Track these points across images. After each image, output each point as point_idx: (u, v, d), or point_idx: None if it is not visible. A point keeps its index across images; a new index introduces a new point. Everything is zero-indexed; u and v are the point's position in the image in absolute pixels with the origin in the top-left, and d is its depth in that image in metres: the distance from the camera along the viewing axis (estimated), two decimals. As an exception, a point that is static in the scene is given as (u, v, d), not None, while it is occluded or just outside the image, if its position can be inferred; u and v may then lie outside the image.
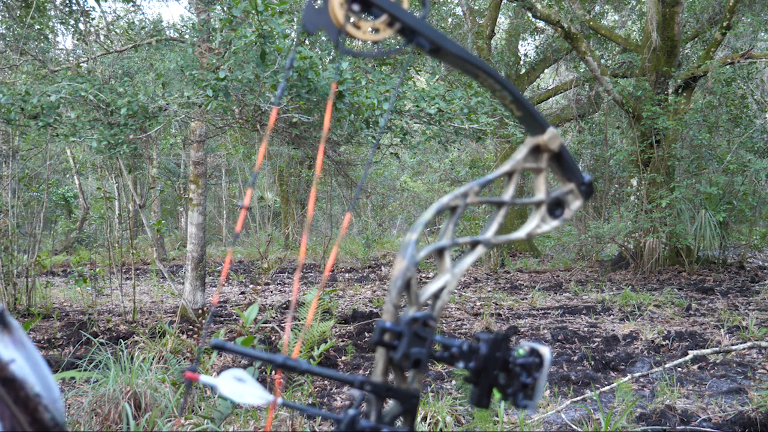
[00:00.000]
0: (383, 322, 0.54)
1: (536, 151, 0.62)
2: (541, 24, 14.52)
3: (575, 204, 0.63)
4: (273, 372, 4.64)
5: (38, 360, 0.61)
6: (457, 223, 0.60)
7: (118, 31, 11.07)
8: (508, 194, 0.62)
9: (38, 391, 0.57)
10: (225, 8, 5.68)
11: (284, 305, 8.14)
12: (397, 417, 0.56)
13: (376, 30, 0.56)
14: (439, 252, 0.59)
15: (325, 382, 4.87)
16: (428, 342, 0.55)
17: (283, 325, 6.64)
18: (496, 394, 0.57)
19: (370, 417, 0.55)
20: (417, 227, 0.57)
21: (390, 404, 0.57)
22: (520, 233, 0.62)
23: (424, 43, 0.56)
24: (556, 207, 0.63)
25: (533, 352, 0.57)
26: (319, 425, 3.73)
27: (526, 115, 0.62)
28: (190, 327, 6.49)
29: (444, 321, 7.32)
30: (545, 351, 0.57)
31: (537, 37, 15.88)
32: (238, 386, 0.54)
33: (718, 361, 5.27)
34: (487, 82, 0.60)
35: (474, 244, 0.61)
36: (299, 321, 5.35)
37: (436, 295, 0.58)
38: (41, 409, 0.56)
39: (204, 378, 0.54)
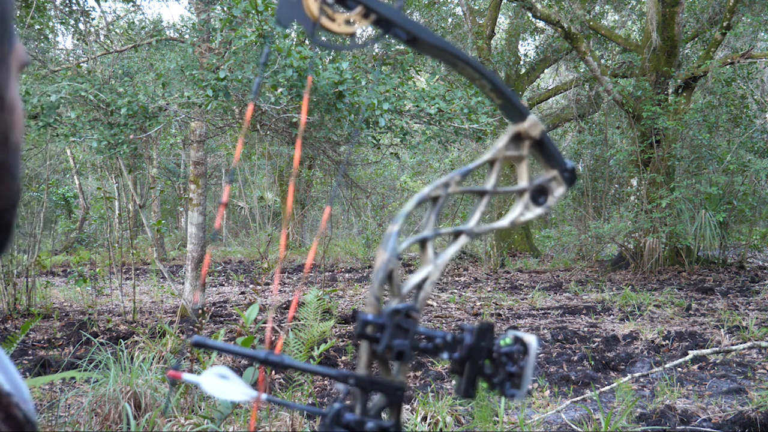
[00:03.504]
0: (365, 315, 0.55)
1: (517, 138, 0.62)
2: (541, 24, 14.53)
3: (559, 191, 0.63)
4: (272, 372, 4.64)
5: (5, 362, 0.62)
6: (441, 214, 0.59)
7: (118, 31, 11.07)
8: (490, 183, 0.62)
9: (9, 389, 0.58)
10: (225, 8, 5.68)
11: (285, 305, 8.14)
12: (383, 410, 0.56)
13: (351, 22, 0.56)
14: (422, 243, 0.59)
15: (325, 381, 4.87)
16: (411, 333, 0.55)
17: (283, 324, 6.65)
18: (483, 385, 0.58)
19: (355, 410, 0.55)
20: (398, 219, 0.57)
21: (376, 397, 0.57)
22: (504, 222, 0.62)
23: (400, 34, 0.56)
24: (539, 194, 0.63)
25: (518, 341, 0.58)
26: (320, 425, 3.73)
27: (505, 103, 0.62)
28: (190, 327, 6.49)
29: (444, 321, 7.33)
30: (531, 339, 0.58)
31: (537, 37, 15.88)
32: (222, 383, 0.54)
33: (718, 361, 5.27)
34: (465, 70, 0.60)
35: (457, 234, 0.61)
36: (299, 321, 5.34)
37: (419, 286, 0.58)
38: (14, 407, 0.57)
39: (187, 376, 0.54)
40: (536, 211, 0.63)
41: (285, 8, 0.55)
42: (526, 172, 0.63)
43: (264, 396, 0.54)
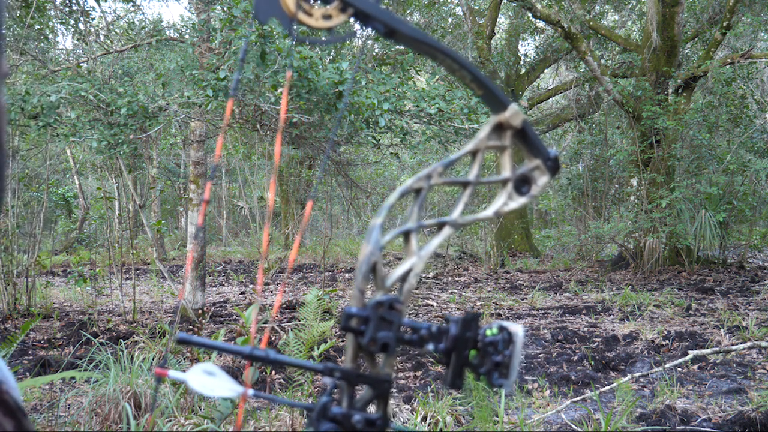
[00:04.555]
0: (349, 308, 0.55)
1: (499, 128, 0.63)
2: (541, 24, 14.53)
3: (542, 180, 0.63)
4: (272, 371, 4.64)
5: None
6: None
7: (118, 31, 11.07)
8: (473, 174, 0.62)
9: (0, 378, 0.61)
10: (225, 8, 5.68)
11: (284, 305, 8.14)
12: (370, 402, 0.57)
13: (328, 16, 0.56)
14: (405, 235, 0.59)
15: (325, 381, 4.86)
16: (395, 325, 0.55)
17: (283, 325, 6.65)
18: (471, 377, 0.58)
19: (342, 404, 0.55)
20: (381, 212, 0.58)
21: (363, 390, 0.57)
22: (488, 212, 0.62)
23: (378, 27, 0.56)
24: (522, 184, 0.63)
25: (503, 330, 0.58)
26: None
27: (486, 94, 0.62)
28: (190, 327, 6.49)
29: (443, 321, 7.32)
30: (517, 328, 0.58)
31: (537, 37, 15.88)
32: (208, 380, 0.54)
33: (718, 361, 5.27)
34: (445, 62, 0.61)
35: (441, 226, 0.61)
36: (299, 321, 5.35)
37: (403, 278, 0.58)
38: (5, 393, 0.59)
39: (173, 373, 0.54)
40: (520, 200, 0.63)
41: (262, 4, 0.55)
42: (508, 162, 0.63)
43: (250, 392, 0.54)
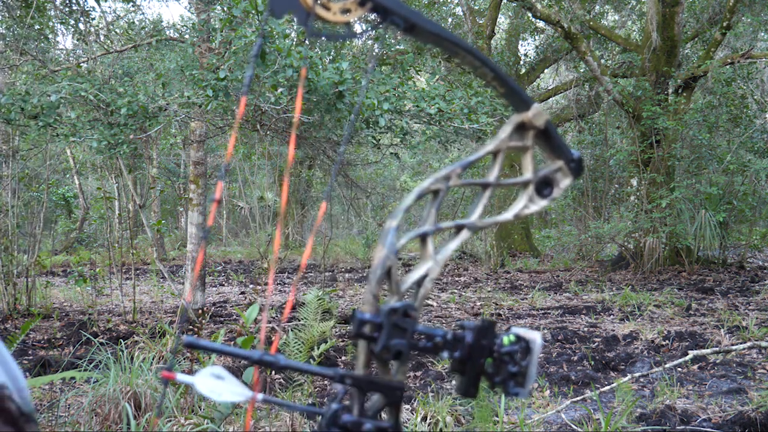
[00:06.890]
0: (362, 314, 0.53)
1: (521, 128, 0.60)
2: (541, 24, 14.52)
3: (564, 182, 0.61)
4: (272, 372, 4.64)
5: (1, 350, 0.62)
6: (441, 214, 0.58)
7: (118, 31, 11.06)
8: (493, 175, 0.60)
9: (3, 380, 0.58)
10: (225, 8, 5.68)
11: (284, 305, 8.14)
12: (381, 410, 0.55)
13: (346, 11, 0.55)
14: (422, 238, 0.57)
15: (325, 381, 4.87)
16: (409, 332, 0.53)
17: (283, 325, 6.64)
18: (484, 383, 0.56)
19: (353, 411, 0.54)
20: (397, 214, 0.56)
21: (374, 398, 0.56)
22: (508, 215, 0.60)
23: (398, 22, 0.55)
24: (544, 186, 0.61)
25: (520, 340, 0.56)
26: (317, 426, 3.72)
27: (509, 92, 0.60)
28: (190, 327, 6.49)
29: (444, 321, 7.32)
30: (534, 336, 0.56)
31: (537, 37, 15.88)
32: (217, 384, 0.53)
33: (718, 361, 5.27)
34: (467, 59, 0.59)
35: (459, 228, 0.59)
36: (300, 321, 5.34)
37: (418, 283, 0.56)
38: (7, 400, 0.57)
39: (181, 376, 0.53)
40: (541, 203, 0.61)
41: None
42: (530, 163, 0.61)
43: (260, 396, 0.53)
